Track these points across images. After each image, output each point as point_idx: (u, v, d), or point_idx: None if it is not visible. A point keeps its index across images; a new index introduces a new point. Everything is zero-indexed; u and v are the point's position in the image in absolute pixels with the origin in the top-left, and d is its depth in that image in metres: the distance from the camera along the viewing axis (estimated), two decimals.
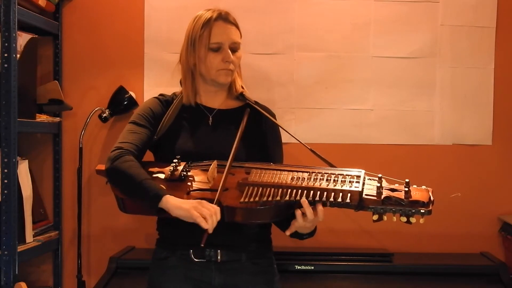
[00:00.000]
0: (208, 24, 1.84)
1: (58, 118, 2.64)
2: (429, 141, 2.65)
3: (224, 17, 1.86)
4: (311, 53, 2.64)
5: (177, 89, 2.01)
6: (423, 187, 1.64)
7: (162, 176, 1.76)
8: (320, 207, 1.61)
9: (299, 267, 2.37)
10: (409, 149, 2.65)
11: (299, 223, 1.65)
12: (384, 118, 2.64)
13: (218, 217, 1.60)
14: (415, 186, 1.64)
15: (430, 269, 2.39)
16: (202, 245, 1.58)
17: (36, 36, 2.46)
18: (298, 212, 1.63)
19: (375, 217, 1.60)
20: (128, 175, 1.69)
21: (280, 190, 1.64)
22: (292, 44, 2.64)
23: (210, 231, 1.58)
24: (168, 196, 1.65)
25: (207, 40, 1.84)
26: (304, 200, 1.61)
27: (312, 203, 1.62)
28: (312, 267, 2.38)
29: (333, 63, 2.64)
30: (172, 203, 1.63)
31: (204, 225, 1.57)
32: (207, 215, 1.58)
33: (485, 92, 2.64)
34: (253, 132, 1.87)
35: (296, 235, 1.75)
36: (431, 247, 2.60)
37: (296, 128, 2.60)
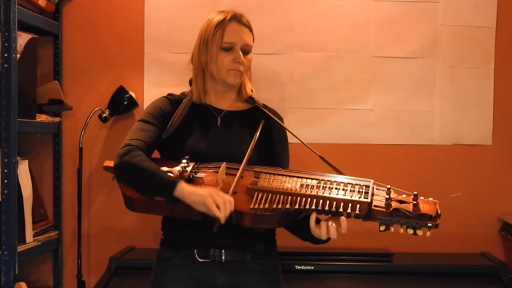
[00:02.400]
0: (222, 24, 1.85)
1: (58, 118, 2.64)
2: (429, 141, 2.65)
3: (238, 19, 1.88)
4: (311, 53, 2.64)
5: (178, 88, 2.01)
6: (430, 199, 1.63)
7: (171, 176, 1.75)
8: (344, 220, 1.61)
9: (299, 267, 2.37)
10: (409, 149, 2.65)
11: (315, 233, 1.65)
12: (384, 118, 2.65)
13: (232, 207, 1.60)
14: (422, 197, 1.63)
15: (430, 269, 2.39)
16: (215, 230, 1.58)
17: (36, 36, 2.46)
18: (312, 224, 1.63)
19: (382, 227, 1.60)
20: (139, 168, 1.69)
21: (290, 197, 1.64)
22: (292, 44, 2.64)
23: (223, 221, 1.58)
24: (182, 182, 1.65)
25: (220, 39, 1.85)
26: (343, 219, 1.61)
27: (321, 212, 1.62)
28: (312, 267, 2.38)
29: (333, 63, 2.64)
30: (187, 189, 1.64)
31: (217, 214, 1.58)
32: (221, 203, 1.58)
33: (485, 92, 2.64)
34: (261, 135, 1.87)
35: (308, 238, 1.75)
36: (431, 247, 2.60)
37: (296, 128, 2.59)
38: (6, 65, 2.17)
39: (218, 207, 1.58)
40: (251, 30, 1.92)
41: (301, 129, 2.60)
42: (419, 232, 1.58)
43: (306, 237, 1.74)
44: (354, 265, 2.40)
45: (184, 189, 1.64)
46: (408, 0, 2.62)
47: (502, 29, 2.63)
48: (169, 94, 1.97)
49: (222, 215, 1.58)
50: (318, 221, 1.66)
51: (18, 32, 2.26)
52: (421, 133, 2.65)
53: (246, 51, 1.89)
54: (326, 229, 1.62)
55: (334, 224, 1.62)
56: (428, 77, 2.64)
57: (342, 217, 1.61)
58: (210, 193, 1.61)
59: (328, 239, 1.71)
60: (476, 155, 2.65)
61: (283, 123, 1.96)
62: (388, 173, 2.55)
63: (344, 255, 2.45)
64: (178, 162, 1.78)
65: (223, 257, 1.79)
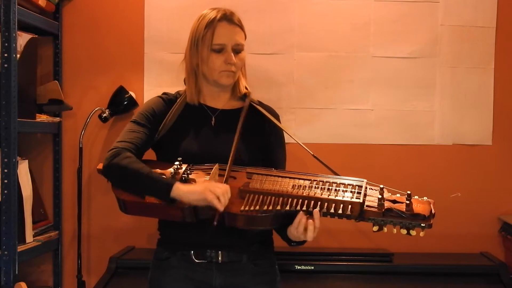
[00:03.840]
0: (211, 24, 1.82)
1: (58, 118, 2.64)
2: (429, 141, 2.65)
3: (228, 18, 1.84)
4: (311, 53, 2.64)
5: (178, 88, 2.00)
6: (425, 198, 1.62)
7: (165, 177, 1.75)
8: (316, 213, 1.60)
9: (299, 267, 2.37)
10: (409, 149, 2.65)
11: (299, 232, 1.63)
12: (384, 118, 2.65)
13: (229, 194, 1.61)
14: (416, 197, 1.62)
15: (430, 269, 2.39)
16: (215, 223, 1.59)
17: (36, 36, 2.46)
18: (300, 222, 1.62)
19: (375, 228, 1.59)
20: (131, 171, 1.68)
21: (281, 198, 1.63)
22: (292, 44, 2.64)
23: (221, 210, 1.59)
24: (178, 183, 1.64)
25: (210, 41, 1.82)
26: (316, 211, 1.60)
27: (312, 213, 1.61)
28: (312, 267, 2.38)
29: (333, 63, 2.64)
30: (183, 189, 1.63)
31: (219, 206, 1.58)
32: (220, 194, 1.59)
33: (485, 92, 2.64)
34: (256, 133, 1.86)
35: (285, 239, 1.74)
36: (431, 247, 2.60)
37: (296, 128, 2.60)
38: (6, 65, 2.17)
39: (218, 197, 1.59)
40: (242, 28, 1.88)
41: (301, 129, 2.60)
42: (413, 232, 1.56)
43: (284, 236, 1.73)
44: (354, 265, 2.40)
45: (180, 189, 1.63)
46: (408, 0, 2.62)
47: (502, 29, 2.63)
48: (163, 93, 1.94)
49: (222, 205, 1.59)
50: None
51: (18, 32, 2.26)
52: (421, 133, 2.65)
53: (238, 50, 1.85)
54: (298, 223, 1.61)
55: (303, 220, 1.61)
56: (428, 77, 2.64)
57: (315, 210, 1.60)
58: (207, 187, 1.61)
59: (303, 242, 1.71)
60: (476, 155, 2.65)
61: (279, 120, 1.94)
62: (388, 173, 2.55)
63: (344, 255, 2.45)
64: (171, 164, 1.76)
65: (219, 258, 1.78)
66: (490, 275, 2.36)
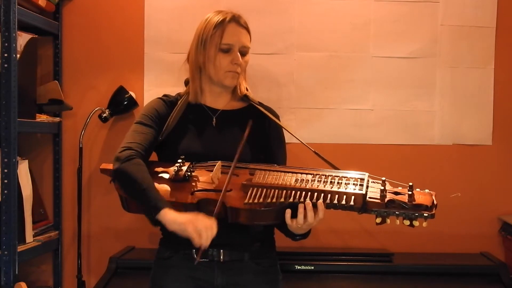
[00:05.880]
0: (221, 25, 1.85)
1: (58, 118, 2.64)
2: (429, 141, 2.65)
3: (237, 20, 1.88)
4: (311, 53, 2.64)
5: (178, 89, 2.01)
6: (426, 190, 1.64)
7: (166, 176, 1.76)
8: (321, 205, 1.61)
9: (299, 267, 2.37)
10: (409, 149, 2.65)
11: (299, 223, 1.64)
12: (384, 118, 2.65)
13: (214, 231, 1.59)
14: (418, 189, 1.63)
15: (430, 269, 2.40)
16: (198, 260, 1.58)
17: (36, 36, 2.46)
18: (301, 213, 1.62)
19: (378, 220, 1.60)
20: (134, 179, 1.69)
21: (284, 191, 1.64)
22: (292, 44, 2.64)
23: (205, 246, 1.58)
24: (167, 210, 1.64)
25: (218, 40, 1.85)
26: (308, 203, 1.61)
27: (315, 205, 1.62)
28: (312, 267, 2.38)
29: (333, 63, 2.64)
30: (168, 217, 1.63)
31: (197, 241, 1.58)
32: (202, 229, 1.58)
33: (485, 92, 2.64)
34: (257, 133, 1.88)
35: (289, 234, 1.75)
36: (431, 247, 2.60)
37: (296, 128, 2.60)
38: (6, 65, 2.17)
39: (200, 233, 1.58)
40: (249, 31, 1.92)
41: (301, 129, 2.61)
42: (416, 223, 1.57)
43: (287, 232, 1.73)
44: (354, 265, 2.40)
45: (166, 216, 1.64)
46: (408, 0, 2.63)
47: (502, 29, 2.63)
48: (164, 95, 1.97)
49: (203, 242, 1.58)
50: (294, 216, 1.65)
51: (18, 32, 2.26)
52: (421, 133, 2.65)
53: (243, 52, 1.89)
54: (303, 213, 1.61)
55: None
56: (428, 77, 2.64)
57: (319, 201, 1.61)
58: (191, 220, 1.60)
59: (306, 235, 1.72)
60: (476, 155, 2.65)
61: (279, 120, 1.95)
62: (387, 173, 2.52)
63: (344, 255, 2.45)
64: (174, 164, 1.78)
65: (221, 257, 1.79)
66: (490, 275, 2.36)
